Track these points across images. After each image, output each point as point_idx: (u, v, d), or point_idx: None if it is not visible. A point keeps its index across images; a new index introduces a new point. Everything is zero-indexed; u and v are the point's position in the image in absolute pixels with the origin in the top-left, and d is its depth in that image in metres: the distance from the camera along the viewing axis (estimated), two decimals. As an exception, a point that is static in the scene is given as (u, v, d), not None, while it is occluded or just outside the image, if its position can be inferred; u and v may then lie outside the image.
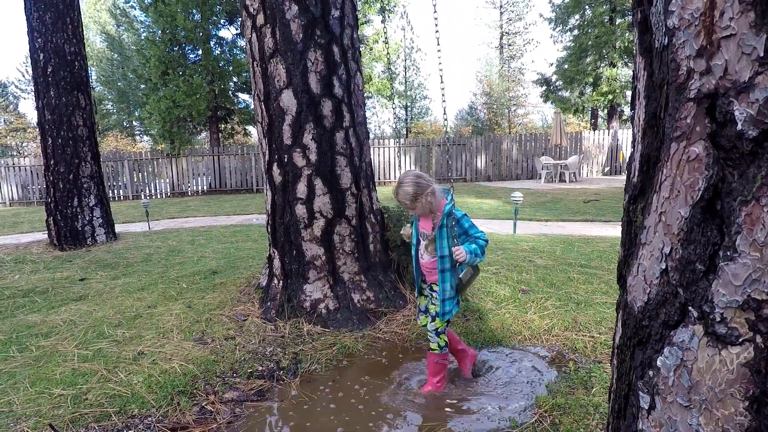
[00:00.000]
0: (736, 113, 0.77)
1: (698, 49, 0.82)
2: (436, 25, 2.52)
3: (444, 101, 2.66)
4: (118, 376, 2.62)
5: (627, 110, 19.41)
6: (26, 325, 3.53)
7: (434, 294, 2.50)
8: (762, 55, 0.73)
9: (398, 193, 2.41)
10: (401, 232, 2.62)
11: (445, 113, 2.62)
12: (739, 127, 0.77)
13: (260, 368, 2.78)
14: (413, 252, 2.58)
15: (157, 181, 16.64)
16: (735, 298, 0.79)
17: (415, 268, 2.58)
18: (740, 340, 0.79)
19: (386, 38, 3.55)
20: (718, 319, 0.82)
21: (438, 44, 2.55)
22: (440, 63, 2.59)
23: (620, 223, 1.18)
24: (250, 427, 2.25)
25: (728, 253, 0.80)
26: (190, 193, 16.52)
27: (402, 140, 17.93)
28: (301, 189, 3.39)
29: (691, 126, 0.85)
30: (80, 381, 2.58)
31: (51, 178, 6.78)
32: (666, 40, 0.90)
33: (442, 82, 2.58)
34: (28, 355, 2.99)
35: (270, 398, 2.51)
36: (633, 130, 1.12)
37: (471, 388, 2.54)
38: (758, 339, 0.77)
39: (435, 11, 2.56)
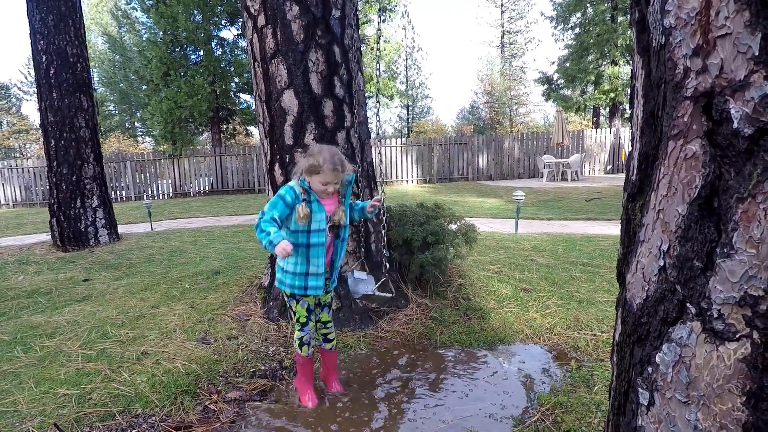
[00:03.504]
0: (732, 111, 0.78)
1: (694, 48, 0.83)
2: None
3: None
4: (122, 375, 2.63)
5: (629, 108, 19.36)
6: (30, 326, 3.55)
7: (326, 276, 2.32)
8: (757, 53, 0.74)
9: (334, 157, 2.11)
10: (299, 214, 2.16)
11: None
12: (735, 125, 0.78)
13: (263, 368, 2.80)
14: (318, 240, 2.19)
15: (159, 182, 16.68)
16: (732, 295, 0.80)
17: (319, 260, 2.21)
18: (737, 336, 0.80)
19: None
20: (715, 316, 0.83)
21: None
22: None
23: (620, 221, 1.19)
24: (252, 426, 2.26)
25: (725, 250, 0.81)
26: (192, 194, 16.55)
27: (404, 139, 17.92)
28: (303, 189, 3.39)
29: (688, 124, 0.86)
30: (84, 381, 2.59)
31: (54, 180, 6.81)
32: (663, 40, 0.91)
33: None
34: (33, 355, 3.01)
35: (272, 398, 2.52)
36: (632, 129, 1.13)
37: (472, 386, 2.55)
38: (755, 335, 0.78)
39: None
